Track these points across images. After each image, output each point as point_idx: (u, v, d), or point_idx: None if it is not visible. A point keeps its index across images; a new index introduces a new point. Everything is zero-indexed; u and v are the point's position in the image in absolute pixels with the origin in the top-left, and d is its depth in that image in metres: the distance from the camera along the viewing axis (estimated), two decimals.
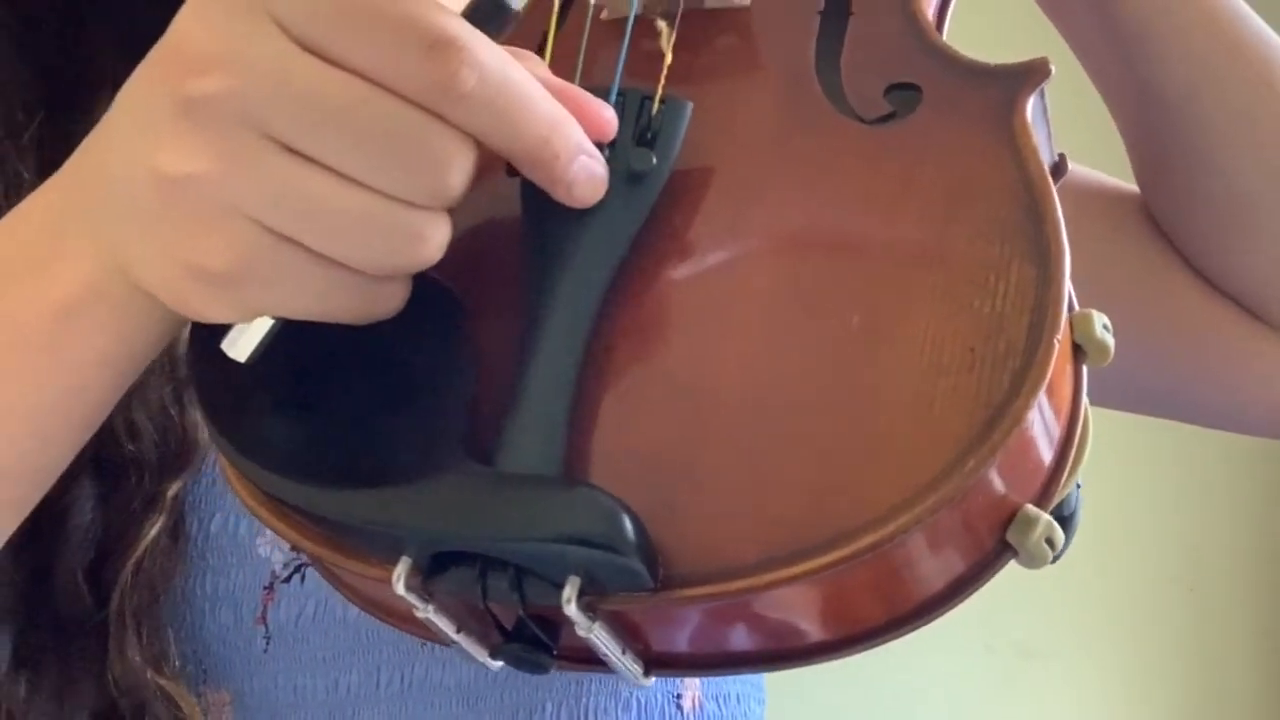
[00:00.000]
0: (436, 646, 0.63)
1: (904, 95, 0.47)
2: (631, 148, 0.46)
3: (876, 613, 0.41)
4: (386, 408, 0.43)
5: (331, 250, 0.41)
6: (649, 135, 0.46)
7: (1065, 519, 0.44)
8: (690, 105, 0.47)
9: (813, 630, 0.41)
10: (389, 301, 0.43)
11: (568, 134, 0.43)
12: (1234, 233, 0.73)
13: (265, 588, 0.63)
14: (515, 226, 0.46)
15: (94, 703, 0.62)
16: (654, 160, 0.45)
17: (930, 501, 0.38)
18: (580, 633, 0.39)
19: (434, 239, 0.42)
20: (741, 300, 0.44)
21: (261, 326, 0.43)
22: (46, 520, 0.62)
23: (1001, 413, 0.39)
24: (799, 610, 0.40)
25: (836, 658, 0.42)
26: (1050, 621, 2.25)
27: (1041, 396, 0.39)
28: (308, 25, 0.40)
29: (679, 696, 0.69)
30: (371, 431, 0.43)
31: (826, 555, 0.38)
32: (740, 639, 0.41)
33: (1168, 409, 0.78)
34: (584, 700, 0.66)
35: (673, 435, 0.41)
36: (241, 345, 0.43)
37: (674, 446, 0.41)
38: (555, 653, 0.41)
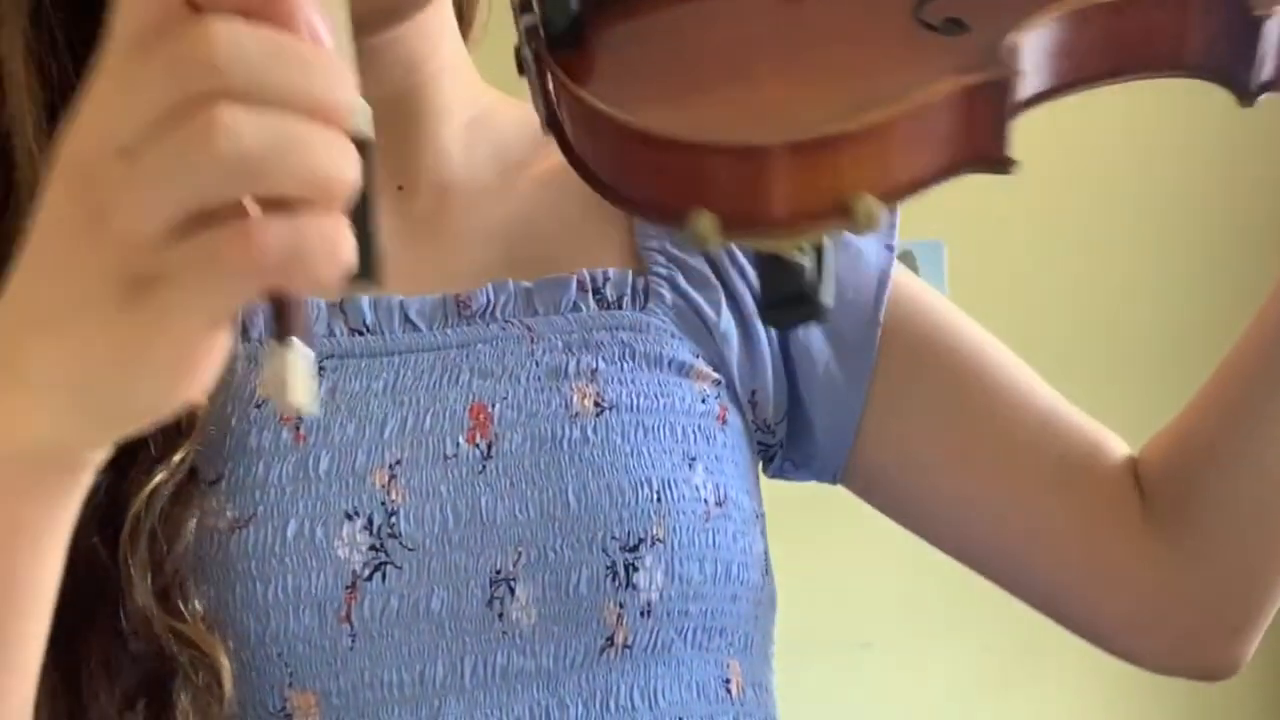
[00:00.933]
0: (518, 635, 0.66)
1: (952, 27, 0.57)
2: None
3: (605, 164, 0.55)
4: None
5: (167, 202, 0.42)
6: None
7: (803, 289, 0.54)
8: None
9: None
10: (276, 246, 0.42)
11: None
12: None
13: (347, 587, 0.66)
14: None
15: (108, 657, 0.65)
16: None
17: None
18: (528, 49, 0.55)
19: (209, 124, 0.41)
20: (758, 18, 0.59)
21: (297, 366, 0.43)
22: None
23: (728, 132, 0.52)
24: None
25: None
26: (1048, 621, 2.27)
27: (765, 165, 0.51)
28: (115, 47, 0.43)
29: (728, 681, 0.73)
30: None
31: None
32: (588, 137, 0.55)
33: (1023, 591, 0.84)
34: (652, 682, 0.69)
35: (657, 35, 0.58)
36: (298, 394, 0.43)
37: (653, 38, 0.58)
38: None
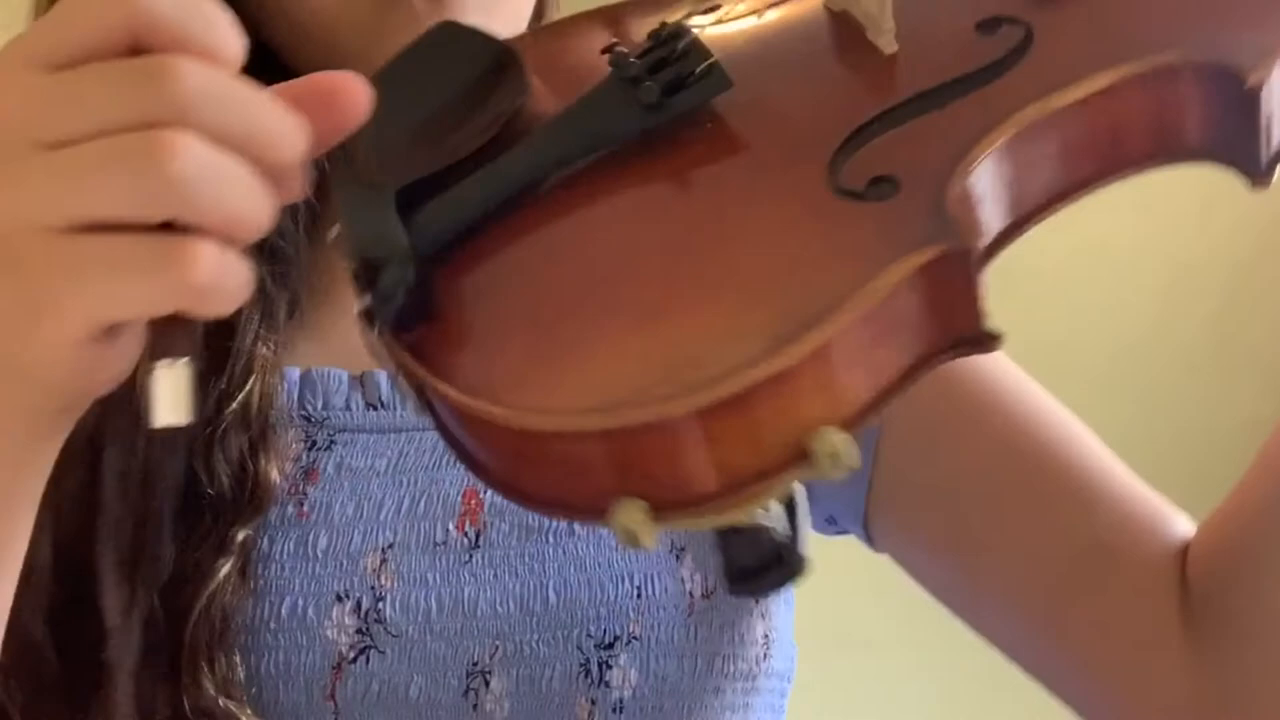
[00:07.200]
0: None
1: (881, 188, 0.49)
2: (657, 85, 0.52)
3: (504, 475, 0.48)
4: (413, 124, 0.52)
5: (94, 204, 0.44)
6: (676, 87, 0.52)
7: (749, 569, 0.48)
8: (729, 87, 0.52)
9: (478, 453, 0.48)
10: (195, 266, 0.44)
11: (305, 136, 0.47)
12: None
13: (334, 667, 0.69)
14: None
15: None
16: (655, 98, 0.52)
17: (547, 420, 0.44)
18: (372, 335, 0.49)
19: (173, 144, 0.44)
20: (608, 239, 0.51)
21: (165, 381, 0.46)
22: (135, 556, 0.68)
23: (620, 407, 0.43)
24: (462, 428, 0.48)
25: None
26: None
27: (673, 431, 0.43)
28: (50, 55, 0.46)
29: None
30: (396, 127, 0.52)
31: (477, 401, 0.45)
32: (452, 429, 0.48)
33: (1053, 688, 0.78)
34: None
35: (501, 277, 0.50)
36: (162, 411, 0.46)
37: (497, 282, 0.50)
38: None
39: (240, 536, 0.69)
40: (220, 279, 0.45)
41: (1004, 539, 0.76)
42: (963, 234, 0.46)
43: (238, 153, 0.45)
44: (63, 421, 0.52)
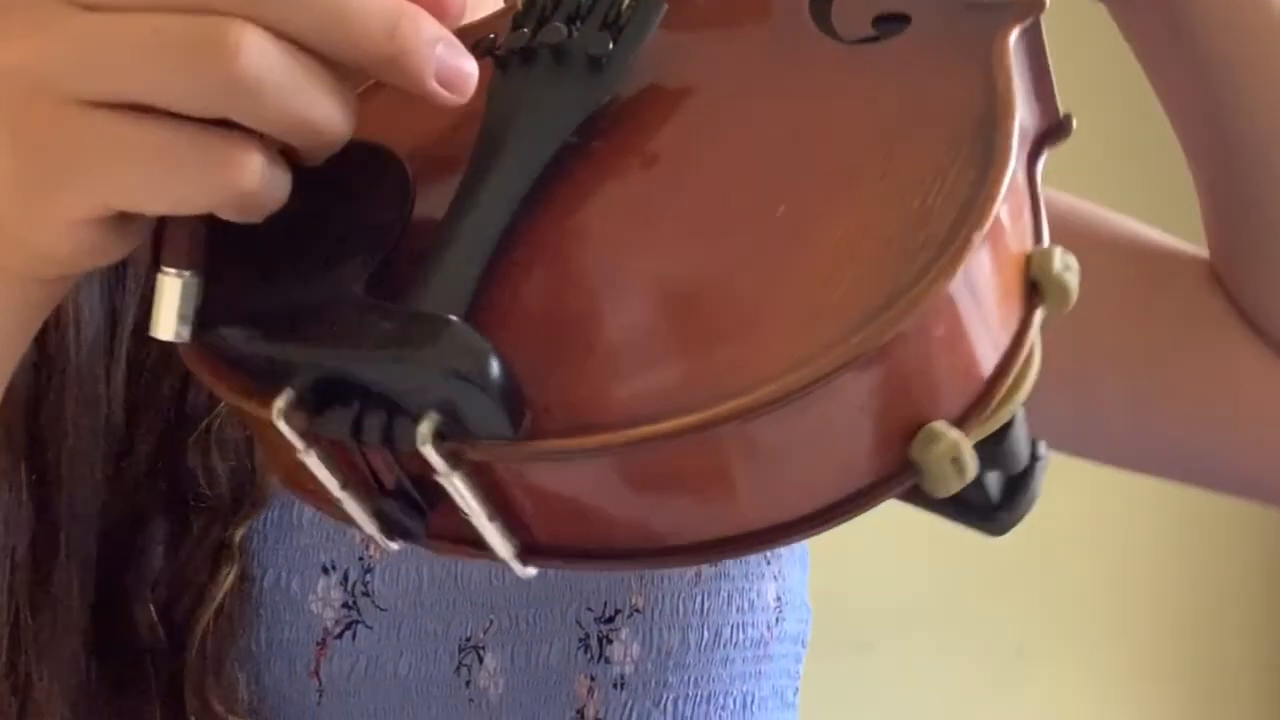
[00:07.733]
0: (485, 704, 0.65)
1: (891, 25, 0.47)
2: (593, 32, 0.46)
3: (756, 504, 0.39)
4: (308, 253, 0.43)
5: (136, 85, 0.40)
6: (616, 25, 0.47)
7: (1016, 479, 0.42)
8: (664, 5, 0.47)
9: (693, 516, 0.40)
10: (243, 172, 0.41)
11: (414, 26, 0.42)
12: None
13: (318, 643, 0.65)
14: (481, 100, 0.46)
15: None
16: (610, 45, 0.46)
17: (800, 376, 0.36)
18: (440, 480, 0.39)
19: (239, 41, 0.40)
20: (674, 195, 0.45)
21: (171, 290, 0.42)
22: (120, 561, 0.64)
23: (898, 297, 0.37)
24: (670, 484, 0.39)
25: (716, 557, 0.40)
26: (1047, 621, 2.28)
27: (955, 297, 0.38)
28: None
29: None
30: (288, 273, 0.43)
31: (692, 415, 0.37)
32: (609, 522, 0.41)
33: (1199, 476, 0.79)
34: None
35: (573, 302, 0.43)
36: (163, 320, 0.42)
37: (570, 312, 0.43)
38: (429, 520, 0.41)
39: (238, 537, 0.65)
40: (265, 187, 0.41)
41: (1110, 334, 0.75)
42: (1021, 2, 0.45)
43: (316, 49, 0.41)
44: (53, 291, 0.48)
